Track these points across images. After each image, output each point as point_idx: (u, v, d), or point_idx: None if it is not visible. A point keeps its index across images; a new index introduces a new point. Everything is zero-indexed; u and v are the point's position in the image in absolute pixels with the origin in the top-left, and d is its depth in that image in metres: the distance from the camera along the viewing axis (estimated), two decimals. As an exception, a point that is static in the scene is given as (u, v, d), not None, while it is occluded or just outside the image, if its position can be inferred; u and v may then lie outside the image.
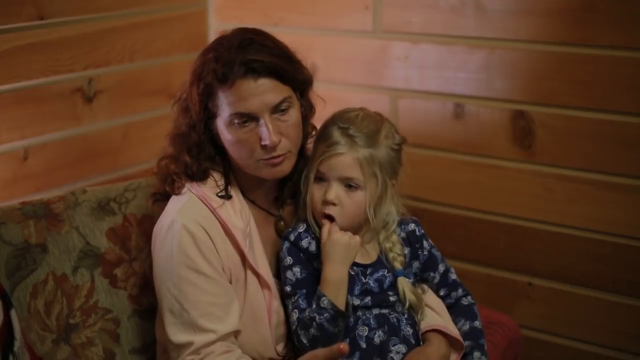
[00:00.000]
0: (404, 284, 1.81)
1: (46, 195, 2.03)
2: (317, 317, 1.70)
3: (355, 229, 1.79)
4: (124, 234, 2.04)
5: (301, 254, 1.79)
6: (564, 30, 2.26)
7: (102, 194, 2.06)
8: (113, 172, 2.47)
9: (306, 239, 1.79)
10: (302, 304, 1.76)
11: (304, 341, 1.73)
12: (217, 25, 2.76)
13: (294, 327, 1.76)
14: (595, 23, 2.21)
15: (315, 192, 1.77)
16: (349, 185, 1.75)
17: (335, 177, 1.75)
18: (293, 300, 1.77)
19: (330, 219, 1.76)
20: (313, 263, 1.78)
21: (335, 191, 1.75)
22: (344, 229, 1.76)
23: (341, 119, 1.78)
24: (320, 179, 1.77)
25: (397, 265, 1.82)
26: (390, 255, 1.82)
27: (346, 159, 1.74)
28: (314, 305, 1.71)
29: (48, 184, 2.28)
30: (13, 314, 1.61)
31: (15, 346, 1.57)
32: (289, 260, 1.80)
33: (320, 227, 1.78)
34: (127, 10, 2.47)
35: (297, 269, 1.78)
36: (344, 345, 1.58)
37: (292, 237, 1.80)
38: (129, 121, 2.52)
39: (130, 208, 2.07)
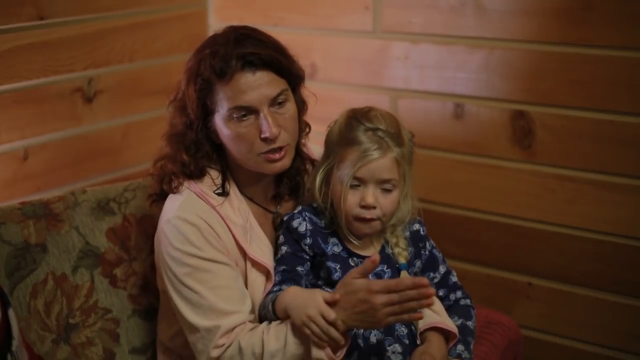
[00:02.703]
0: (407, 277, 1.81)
1: (46, 195, 2.03)
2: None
3: None
4: (123, 233, 2.04)
5: (291, 234, 1.81)
6: (563, 31, 2.26)
7: (101, 194, 2.06)
8: (113, 172, 2.47)
9: (298, 219, 1.81)
10: (276, 279, 1.80)
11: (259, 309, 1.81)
12: (217, 25, 2.73)
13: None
14: (594, 23, 2.21)
15: (351, 197, 1.75)
16: (386, 187, 1.75)
17: (374, 180, 1.74)
18: (275, 273, 1.82)
19: (369, 221, 1.75)
20: (301, 243, 1.80)
21: (374, 194, 1.74)
22: (380, 225, 1.77)
23: (365, 119, 1.76)
24: (357, 184, 1.75)
25: (401, 260, 1.82)
26: (396, 250, 1.83)
27: (385, 161, 1.74)
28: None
29: (48, 184, 2.28)
30: (11, 313, 1.61)
31: (13, 345, 1.57)
32: (281, 239, 1.83)
33: (352, 231, 1.78)
34: (127, 10, 2.47)
35: (284, 247, 1.82)
36: (375, 256, 1.60)
37: (286, 218, 1.83)
38: (129, 121, 2.52)
39: (129, 208, 2.07)
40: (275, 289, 1.79)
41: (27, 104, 2.21)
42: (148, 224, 2.04)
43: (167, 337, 1.91)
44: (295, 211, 1.83)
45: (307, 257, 1.80)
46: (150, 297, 2.04)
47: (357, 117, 1.78)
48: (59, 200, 1.99)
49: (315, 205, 1.84)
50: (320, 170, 1.80)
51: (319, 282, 1.81)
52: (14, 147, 2.20)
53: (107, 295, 1.98)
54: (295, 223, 1.81)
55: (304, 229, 1.80)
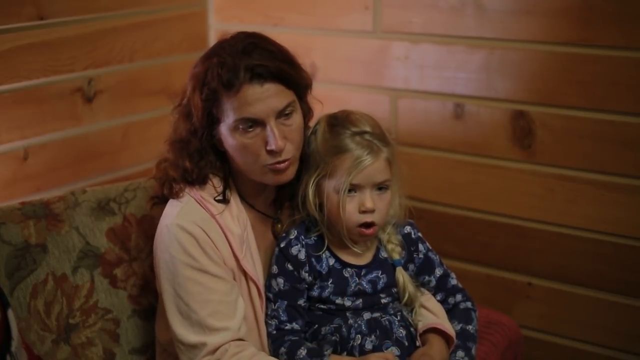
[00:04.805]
0: (403, 273, 1.81)
1: (46, 195, 2.03)
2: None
3: None
4: (123, 234, 2.04)
5: (288, 264, 1.78)
6: (564, 30, 2.26)
7: (102, 194, 2.06)
8: (113, 172, 2.47)
9: (296, 247, 1.78)
10: (282, 316, 1.77)
11: (271, 351, 1.77)
12: (217, 25, 2.76)
13: (269, 330, 1.78)
14: (595, 23, 2.21)
15: (349, 203, 1.73)
16: (380, 188, 1.74)
17: (370, 184, 1.73)
18: (273, 307, 1.79)
19: (368, 226, 1.74)
20: (300, 271, 1.78)
21: (371, 198, 1.73)
22: (378, 228, 1.77)
23: (349, 124, 1.75)
24: (352, 190, 1.73)
25: (395, 256, 1.82)
26: (389, 246, 1.83)
27: (378, 165, 1.72)
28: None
29: (48, 184, 2.28)
30: (10, 313, 1.61)
31: (13, 346, 1.57)
32: (275, 268, 1.80)
33: (354, 239, 1.76)
34: (127, 10, 2.47)
35: (280, 280, 1.78)
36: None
37: (282, 245, 1.80)
38: (129, 121, 2.52)
39: (130, 208, 2.07)
40: (287, 327, 1.77)
41: (27, 104, 2.21)
42: (148, 224, 2.04)
43: (166, 339, 1.90)
44: (292, 237, 1.80)
45: (306, 285, 1.78)
46: (150, 298, 2.04)
47: (340, 123, 1.76)
48: (59, 200, 1.98)
49: (306, 221, 1.82)
50: (311, 183, 1.77)
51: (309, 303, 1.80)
52: (14, 147, 2.20)
53: (107, 296, 1.98)
54: (294, 250, 1.78)
55: (303, 256, 1.78)
